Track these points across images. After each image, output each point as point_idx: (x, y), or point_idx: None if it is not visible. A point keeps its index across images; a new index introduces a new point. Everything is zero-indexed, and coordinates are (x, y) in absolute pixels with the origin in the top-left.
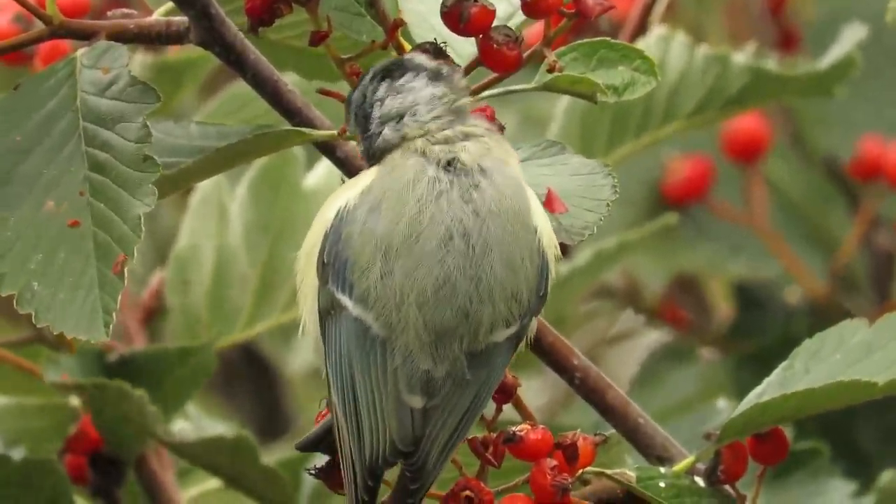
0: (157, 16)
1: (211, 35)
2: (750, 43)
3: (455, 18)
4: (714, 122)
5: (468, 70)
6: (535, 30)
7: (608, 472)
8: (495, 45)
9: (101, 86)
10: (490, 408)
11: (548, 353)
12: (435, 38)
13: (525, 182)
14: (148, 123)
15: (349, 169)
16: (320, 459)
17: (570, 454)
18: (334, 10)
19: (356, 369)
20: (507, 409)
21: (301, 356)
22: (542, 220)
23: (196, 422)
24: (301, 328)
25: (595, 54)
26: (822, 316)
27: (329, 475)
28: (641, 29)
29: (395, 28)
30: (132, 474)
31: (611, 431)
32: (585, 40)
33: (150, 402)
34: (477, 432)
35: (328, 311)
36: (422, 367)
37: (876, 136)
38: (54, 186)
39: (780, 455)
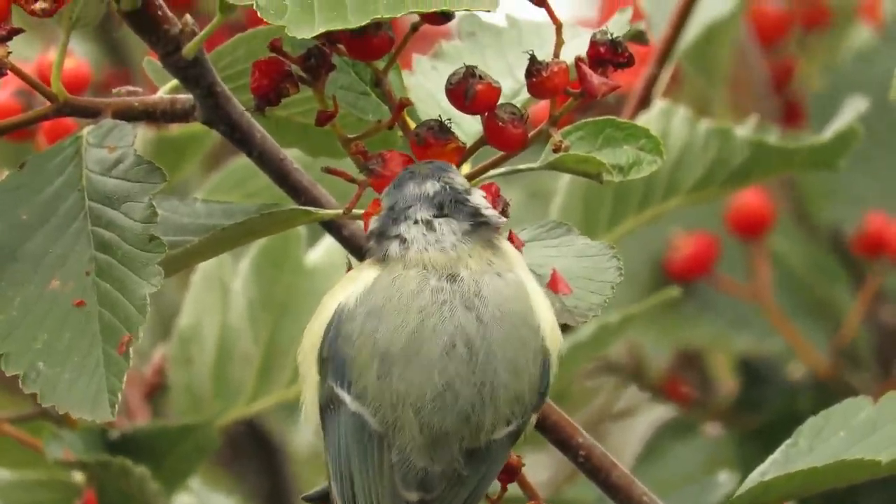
0: (163, 93)
1: (216, 113)
2: (752, 116)
3: (460, 96)
4: (716, 196)
5: (473, 149)
6: (541, 107)
7: None
8: (500, 123)
9: (106, 165)
10: (495, 486)
11: (551, 431)
12: (440, 115)
13: (528, 282)
14: (154, 203)
15: (354, 247)
16: None
17: None
18: (340, 90)
19: (354, 462)
20: (512, 486)
21: (305, 433)
22: (545, 317)
23: (200, 496)
24: (302, 417)
25: (601, 133)
26: (825, 392)
27: None
28: (644, 102)
29: (400, 108)
30: None
31: None
32: (591, 119)
33: (151, 479)
34: None
35: (328, 405)
36: (418, 465)
37: (880, 211)
38: (60, 265)
39: None
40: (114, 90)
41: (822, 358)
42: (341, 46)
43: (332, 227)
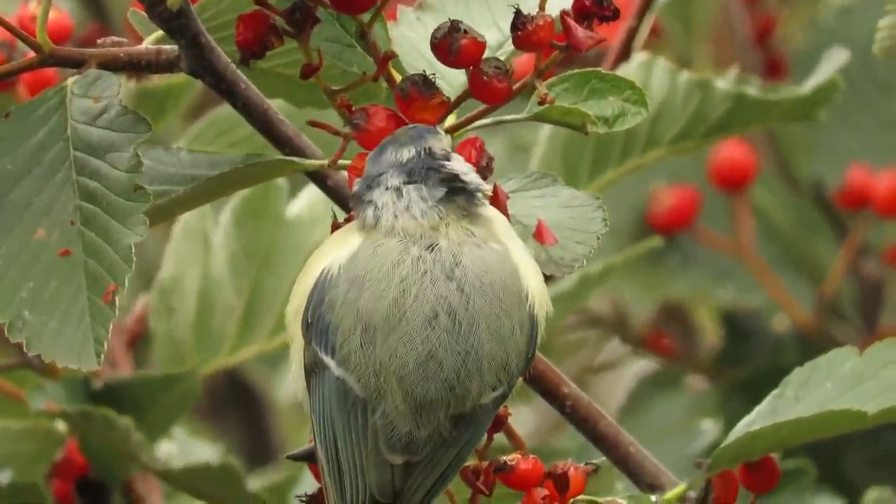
0: (148, 44)
1: (201, 64)
2: (732, 68)
3: (445, 50)
4: (697, 148)
5: (458, 102)
6: (525, 60)
7: (600, 500)
8: (485, 78)
9: (91, 115)
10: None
11: (538, 382)
12: (424, 70)
13: (514, 249)
14: (139, 153)
15: (338, 198)
16: (310, 487)
17: (560, 484)
18: (325, 42)
19: (338, 426)
20: (498, 435)
21: (288, 384)
22: (532, 282)
23: (182, 445)
24: (291, 378)
25: (586, 85)
26: (809, 345)
27: (318, 502)
28: (625, 55)
29: (385, 60)
30: (119, 499)
31: (601, 459)
32: (576, 71)
33: (135, 430)
34: (468, 461)
35: (313, 369)
36: (403, 430)
37: (863, 164)
38: (45, 215)
39: (771, 483)
40: (98, 41)
41: (805, 311)
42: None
43: (317, 177)
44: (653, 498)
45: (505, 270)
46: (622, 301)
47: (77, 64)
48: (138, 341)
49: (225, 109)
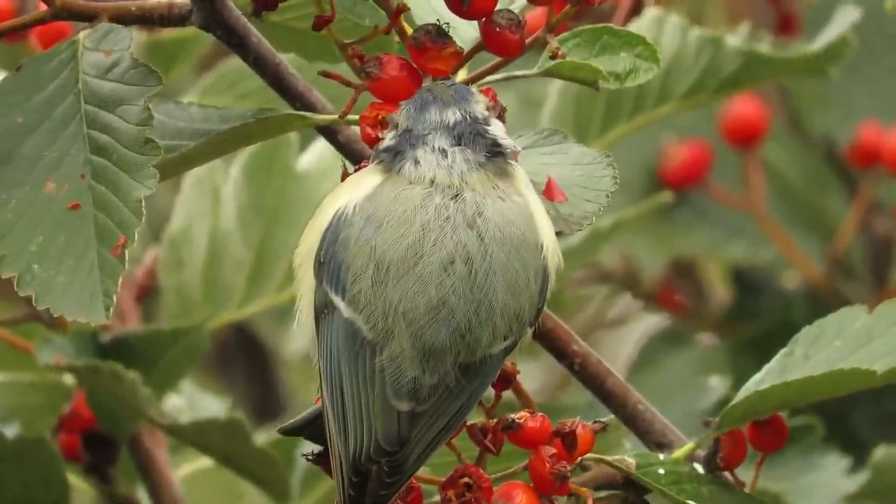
0: None
1: (213, 17)
2: (744, 25)
3: (458, 1)
4: (708, 103)
5: (470, 54)
6: (537, 14)
7: (608, 458)
8: (498, 29)
9: (102, 68)
10: (489, 394)
11: (547, 339)
12: (438, 20)
13: (532, 202)
14: (150, 106)
15: (349, 152)
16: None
17: (568, 442)
18: None
19: (344, 369)
20: (506, 393)
21: (297, 339)
22: (547, 235)
23: (189, 398)
24: (296, 321)
25: (598, 40)
26: (819, 301)
27: (325, 460)
28: (636, 11)
29: (397, 13)
30: (126, 452)
31: (609, 417)
32: (588, 26)
33: (142, 384)
34: (476, 419)
35: (323, 309)
36: (409, 375)
37: (874, 121)
38: (55, 168)
39: (780, 442)
40: None
41: (815, 268)
42: None
43: (328, 131)
44: (661, 456)
45: (524, 223)
46: (633, 257)
47: (89, 17)
48: (147, 295)
49: (235, 61)
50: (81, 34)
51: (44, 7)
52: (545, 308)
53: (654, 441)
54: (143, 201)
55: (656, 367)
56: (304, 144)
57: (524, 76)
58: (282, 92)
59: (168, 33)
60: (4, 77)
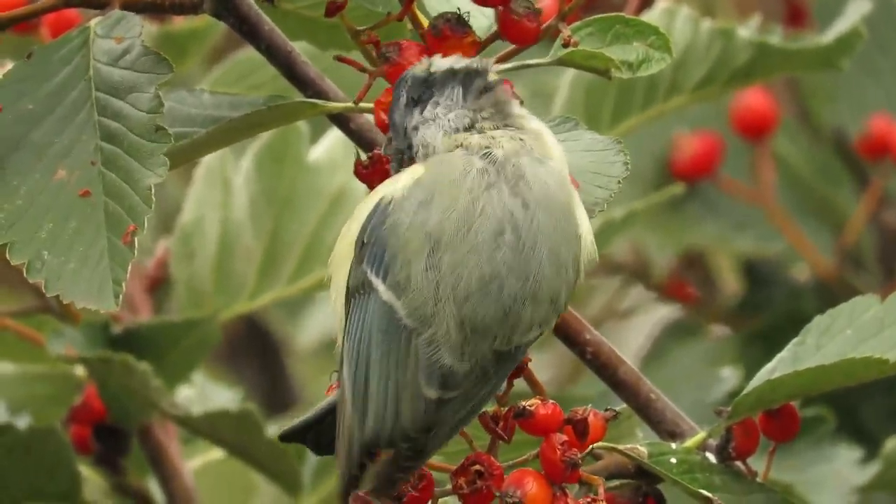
0: None
1: (225, 5)
2: (755, 16)
3: None
4: (719, 95)
5: (487, 43)
6: (548, 4)
7: (620, 447)
8: (515, 17)
9: (114, 55)
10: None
11: (560, 328)
12: (458, 8)
13: (567, 175)
14: (160, 94)
15: (361, 141)
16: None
17: (580, 429)
18: None
19: (374, 351)
20: (518, 381)
21: (308, 330)
22: (582, 215)
23: (201, 389)
24: (330, 301)
25: (610, 30)
26: (829, 293)
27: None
28: (647, 2)
29: (410, 0)
30: (136, 443)
31: (622, 406)
32: (601, 16)
33: (154, 376)
34: (488, 406)
35: (357, 290)
36: (445, 362)
37: (884, 113)
38: (66, 155)
39: (792, 431)
40: None
41: (825, 260)
42: None
43: (340, 119)
44: (673, 445)
45: (565, 194)
46: (643, 248)
47: (100, 5)
48: (158, 287)
49: (247, 52)
50: (93, 21)
51: None
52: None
53: (667, 430)
54: (154, 189)
55: (667, 358)
56: (316, 135)
57: (537, 65)
58: (294, 80)
59: (179, 25)
60: (15, 64)
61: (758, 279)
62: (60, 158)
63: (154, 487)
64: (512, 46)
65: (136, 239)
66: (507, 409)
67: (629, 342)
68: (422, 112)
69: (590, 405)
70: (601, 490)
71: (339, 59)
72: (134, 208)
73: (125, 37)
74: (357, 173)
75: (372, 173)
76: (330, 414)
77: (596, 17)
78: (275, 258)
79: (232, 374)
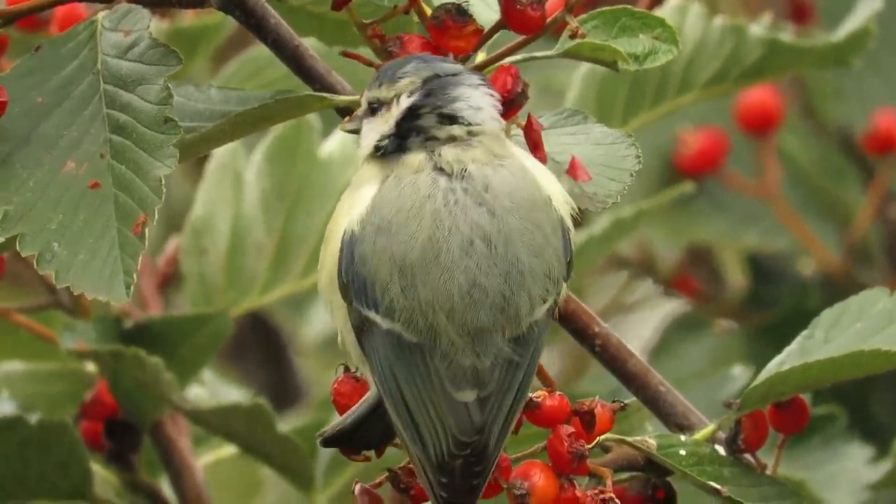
0: None
1: None
2: (766, 14)
3: None
4: (730, 92)
5: (490, 34)
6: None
7: (629, 439)
8: (519, 6)
9: (121, 48)
10: None
11: (569, 321)
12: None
13: (525, 159)
14: (169, 85)
15: None
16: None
17: (587, 421)
18: None
19: (400, 378)
20: None
21: (315, 326)
22: (551, 187)
23: (212, 388)
24: (339, 341)
25: (617, 22)
26: (836, 288)
27: (343, 445)
28: (658, 0)
29: None
30: (148, 440)
31: (631, 399)
32: (607, 8)
33: (165, 369)
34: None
35: (361, 328)
36: (465, 364)
37: (889, 109)
38: (75, 148)
39: (801, 424)
40: None
41: (831, 255)
42: None
43: (348, 113)
44: (682, 438)
45: (528, 184)
46: (649, 244)
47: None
48: (169, 283)
49: (256, 50)
50: (100, 14)
51: None
52: (573, 267)
53: (676, 423)
54: (163, 179)
55: (674, 352)
56: (327, 130)
57: (544, 57)
58: (301, 73)
59: (189, 21)
60: (23, 58)
61: (763, 274)
62: (69, 151)
63: (165, 484)
64: (518, 39)
65: (146, 230)
66: None
67: (636, 336)
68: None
69: (598, 397)
70: (609, 482)
71: (345, 54)
72: (144, 199)
73: (133, 29)
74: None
75: None
76: (369, 417)
77: (602, 9)
78: (286, 253)
79: (238, 370)
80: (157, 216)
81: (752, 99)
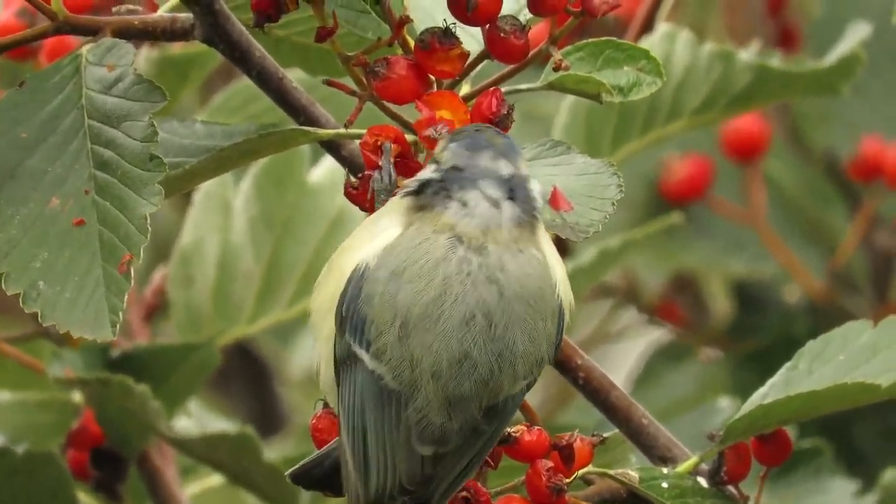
0: (163, 11)
1: (216, 32)
2: (754, 41)
3: (462, 7)
4: (719, 120)
5: (475, 63)
6: (541, 29)
7: (611, 472)
8: (502, 35)
9: (106, 83)
10: None
11: None
12: (445, 19)
13: (544, 244)
14: (154, 122)
15: (353, 167)
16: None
17: (566, 455)
18: (340, 7)
19: (369, 418)
20: None
21: (299, 356)
22: (559, 273)
23: (198, 418)
24: (315, 369)
25: (601, 54)
26: (821, 315)
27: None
28: (648, 26)
29: (400, 25)
30: (134, 470)
31: (613, 431)
32: (592, 40)
33: (152, 398)
34: None
35: (345, 360)
36: (436, 422)
37: (876, 135)
38: (60, 184)
39: (784, 456)
40: (113, 8)
41: (817, 282)
42: None
43: (332, 146)
44: (665, 470)
45: (541, 274)
46: (633, 270)
47: (92, 32)
48: (156, 313)
49: (243, 82)
50: (84, 48)
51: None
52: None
53: (659, 455)
54: (149, 217)
55: (659, 380)
56: (316, 157)
57: (528, 90)
58: (285, 107)
59: (179, 49)
60: (8, 92)
61: (749, 301)
62: (55, 187)
63: None
64: (503, 70)
65: (131, 268)
66: None
67: (620, 364)
68: (491, 189)
69: (577, 431)
70: None
71: (329, 83)
72: (129, 237)
73: (117, 64)
74: (346, 194)
75: (361, 193)
76: (334, 457)
77: (587, 41)
78: (274, 282)
79: (222, 399)
80: (142, 254)
81: (738, 125)
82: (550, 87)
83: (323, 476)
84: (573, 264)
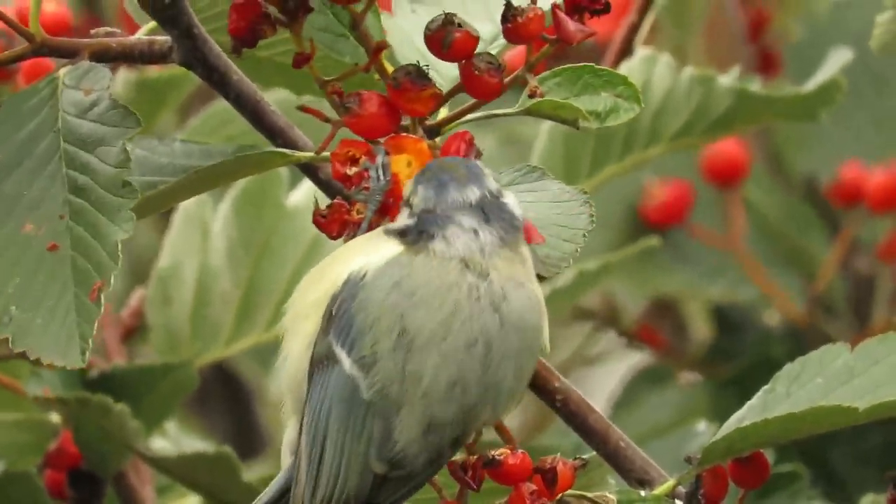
0: (142, 34)
1: (194, 55)
2: (734, 65)
3: (437, 43)
4: (699, 144)
5: (450, 94)
6: (518, 53)
7: (589, 495)
8: (477, 73)
9: (82, 107)
10: None
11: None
12: (418, 61)
13: (537, 286)
14: (128, 148)
15: (330, 190)
16: None
17: (549, 479)
18: (318, 32)
19: (332, 423)
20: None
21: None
22: (545, 312)
23: (175, 439)
24: (282, 360)
25: (579, 80)
26: (800, 339)
27: None
28: (626, 51)
29: (378, 51)
30: (111, 489)
31: (591, 454)
32: (570, 66)
33: (130, 417)
34: (457, 455)
35: (321, 360)
36: (398, 443)
37: (856, 160)
38: (35, 208)
39: (761, 479)
40: (91, 31)
41: (796, 306)
42: None
43: (308, 169)
44: (642, 493)
45: (537, 312)
46: (613, 295)
47: (70, 54)
48: (133, 335)
49: (221, 104)
50: (61, 71)
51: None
52: None
53: (636, 478)
54: (121, 245)
55: (638, 404)
56: (294, 181)
57: (504, 115)
58: (262, 129)
59: (157, 72)
60: None
61: (728, 326)
62: (29, 211)
63: None
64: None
65: (102, 296)
66: (476, 457)
67: (599, 388)
68: (467, 219)
69: (559, 454)
70: None
71: (302, 109)
72: (101, 264)
73: (94, 88)
74: (315, 222)
75: (329, 222)
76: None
77: (565, 66)
78: (252, 303)
79: (200, 420)
80: (113, 281)
81: (718, 150)
82: (527, 112)
83: None
84: (550, 286)
